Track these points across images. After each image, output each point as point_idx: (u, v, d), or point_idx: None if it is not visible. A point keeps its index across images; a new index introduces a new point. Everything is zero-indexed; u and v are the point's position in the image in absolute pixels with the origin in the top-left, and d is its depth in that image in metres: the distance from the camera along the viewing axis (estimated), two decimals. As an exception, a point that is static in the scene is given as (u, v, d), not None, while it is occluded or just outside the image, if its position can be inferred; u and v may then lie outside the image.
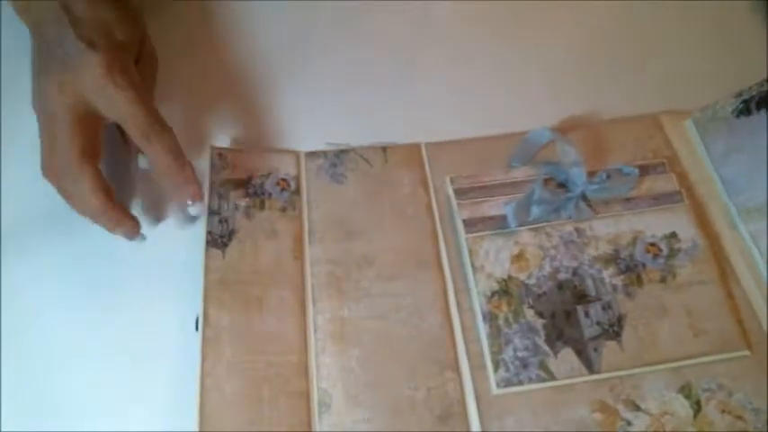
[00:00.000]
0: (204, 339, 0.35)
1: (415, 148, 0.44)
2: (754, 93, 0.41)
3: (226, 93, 0.46)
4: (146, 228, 0.40)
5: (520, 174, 0.42)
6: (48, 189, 0.40)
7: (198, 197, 0.38)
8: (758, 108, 0.41)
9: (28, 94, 0.38)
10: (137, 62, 0.38)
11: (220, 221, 0.39)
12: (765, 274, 0.37)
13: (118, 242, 0.39)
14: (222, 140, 0.44)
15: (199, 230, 0.40)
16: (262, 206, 0.41)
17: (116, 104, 0.35)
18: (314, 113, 0.46)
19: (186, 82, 0.46)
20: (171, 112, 0.42)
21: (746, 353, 0.35)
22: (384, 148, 0.44)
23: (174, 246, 0.40)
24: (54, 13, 0.35)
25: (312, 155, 0.44)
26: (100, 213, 0.36)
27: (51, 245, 0.40)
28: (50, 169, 0.36)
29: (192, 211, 0.39)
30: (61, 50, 0.35)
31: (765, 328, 0.36)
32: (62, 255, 0.40)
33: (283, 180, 0.42)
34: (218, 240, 0.39)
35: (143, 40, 0.39)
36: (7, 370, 0.36)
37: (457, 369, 0.36)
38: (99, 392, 0.36)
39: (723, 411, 0.34)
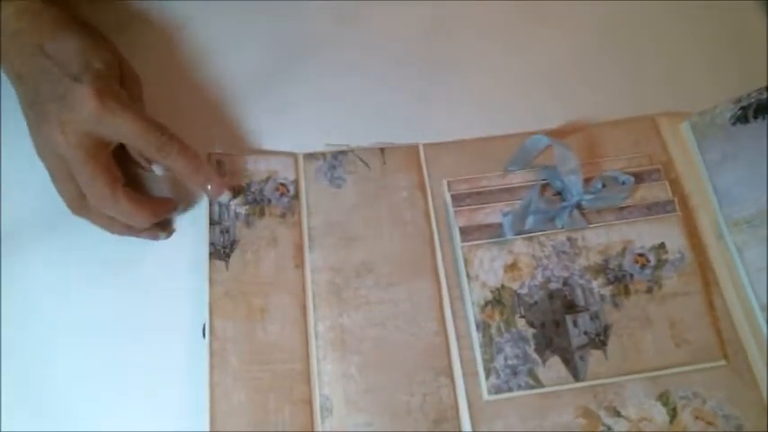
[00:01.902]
0: (211, 351, 0.37)
1: (412, 149, 0.44)
2: (752, 100, 0.41)
3: (221, 96, 0.46)
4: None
5: (517, 179, 0.43)
6: (48, 190, 0.41)
7: (222, 188, 0.40)
8: (755, 116, 0.41)
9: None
10: (120, 84, 0.38)
11: (222, 232, 0.40)
12: (748, 285, 0.39)
13: (119, 249, 0.40)
14: (220, 146, 0.44)
15: (202, 232, 0.41)
16: (261, 213, 0.41)
17: (119, 128, 0.36)
18: (312, 114, 0.45)
19: (181, 86, 0.45)
20: (166, 120, 0.42)
21: (723, 363, 0.38)
22: (382, 150, 0.44)
23: (178, 249, 0.41)
24: (32, 57, 0.36)
25: (310, 156, 0.44)
26: (151, 220, 0.39)
27: (52, 256, 0.41)
28: (81, 208, 0.38)
29: (222, 200, 0.41)
30: (48, 94, 0.35)
31: (742, 338, 0.38)
32: (64, 262, 0.41)
33: (282, 185, 0.43)
34: (220, 251, 0.40)
35: (120, 62, 0.39)
36: (8, 372, 0.38)
37: (451, 375, 0.38)
38: (102, 395, 0.37)
39: (697, 418, 0.36)
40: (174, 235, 0.42)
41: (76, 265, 0.41)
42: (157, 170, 0.40)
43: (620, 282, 0.39)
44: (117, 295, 0.40)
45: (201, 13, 0.48)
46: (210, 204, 0.41)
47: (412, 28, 0.48)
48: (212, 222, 0.41)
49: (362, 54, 0.47)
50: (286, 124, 0.45)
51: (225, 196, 0.40)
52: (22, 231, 0.41)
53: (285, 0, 0.49)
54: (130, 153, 0.40)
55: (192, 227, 0.42)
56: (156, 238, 0.41)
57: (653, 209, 0.41)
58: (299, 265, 0.40)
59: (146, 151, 0.37)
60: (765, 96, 0.41)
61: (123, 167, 0.39)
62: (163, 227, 0.41)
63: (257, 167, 0.43)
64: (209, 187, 0.39)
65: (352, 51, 0.47)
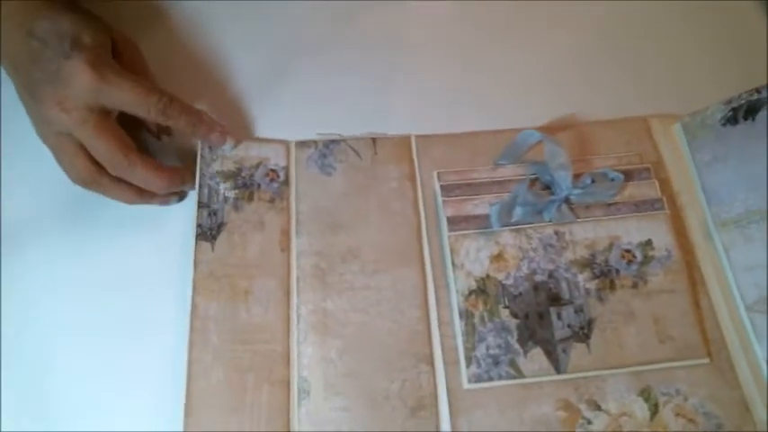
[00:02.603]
0: (192, 329, 0.37)
1: (404, 140, 0.45)
2: (742, 101, 0.41)
3: (218, 84, 0.46)
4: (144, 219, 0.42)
5: (507, 172, 0.43)
6: (48, 191, 0.41)
7: (225, 136, 0.41)
8: (745, 117, 0.41)
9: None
10: (117, 55, 0.39)
11: (210, 214, 0.41)
12: (734, 284, 0.39)
13: (113, 240, 0.41)
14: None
15: (191, 223, 0.41)
16: (251, 198, 0.42)
17: (118, 96, 0.36)
18: (307, 105, 0.46)
19: (176, 75, 0.46)
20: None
21: (706, 360, 0.37)
22: (374, 140, 0.44)
23: (167, 238, 0.41)
24: (22, 41, 0.36)
25: (302, 144, 0.44)
26: (168, 186, 0.40)
27: (49, 245, 0.41)
28: (92, 181, 0.38)
29: (226, 148, 0.42)
30: (41, 75, 0.35)
31: (726, 338, 0.38)
32: (59, 254, 0.41)
33: (272, 171, 0.43)
34: (207, 233, 0.40)
35: (113, 35, 0.39)
36: (8, 372, 0.37)
37: (431, 363, 0.38)
38: (101, 394, 0.37)
39: (677, 415, 0.36)
40: (165, 226, 0.42)
41: (75, 264, 0.40)
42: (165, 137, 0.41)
43: (605, 276, 0.39)
44: (114, 293, 0.40)
45: (201, 12, 0.49)
46: (200, 187, 0.41)
47: (411, 26, 0.49)
48: (201, 205, 0.41)
49: (361, 51, 0.48)
50: (282, 115, 0.45)
51: (228, 144, 0.41)
52: (22, 232, 0.41)
53: (285, 0, 0.49)
54: (136, 120, 0.41)
55: (182, 213, 0.42)
56: (167, 203, 0.42)
57: (641, 206, 0.41)
58: (286, 248, 0.41)
59: (148, 115, 0.37)
60: (755, 97, 0.41)
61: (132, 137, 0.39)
62: (175, 192, 0.42)
63: (249, 154, 0.43)
64: (213, 137, 0.41)
65: (351, 48, 0.48)
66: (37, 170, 0.42)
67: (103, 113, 0.37)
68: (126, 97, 0.36)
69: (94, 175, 0.38)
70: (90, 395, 0.37)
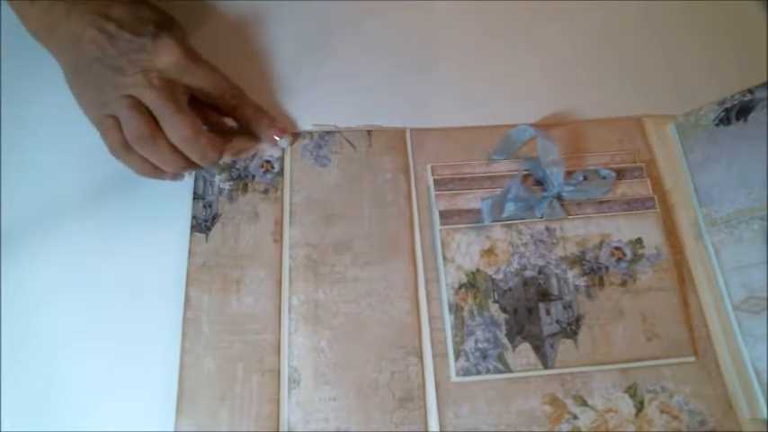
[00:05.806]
0: (185, 320, 0.38)
1: (399, 133, 0.45)
2: (735, 102, 0.41)
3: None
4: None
5: (500, 168, 0.43)
6: (48, 187, 0.41)
7: (283, 132, 0.43)
8: (737, 118, 0.41)
9: (29, 97, 0.42)
10: None
11: (204, 206, 0.41)
12: (722, 284, 0.39)
13: (112, 236, 0.41)
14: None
15: (186, 215, 0.41)
16: (245, 189, 0.42)
17: (201, 78, 0.39)
18: (304, 96, 0.46)
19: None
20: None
21: (692, 359, 0.38)
22: (369, 132, 0.45)
23: (163, 232, 0.41)
24: (93, 23, 0.37)
25: (298, 135, 0.44)
26: (181, 169, 0.39)
27: (49, 246, 0.41)
28: (126, 150, 0.37)
29: (282, 143, 0.43)
30: (118, 50, 0.37)
31: (713, 337, 0.38)
32: (59, 255, 0.40)
33: (267, 162, 0.43)
34: (201, 225, 0.40)
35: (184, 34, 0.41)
36: (7, 366, 0.37)
37: (420, 355, 0.38)
38: (103, 395, 0.37)
39: (662, 411, 0.36)
40: (160, 218, 0.42)
41: (75, 266, 0.40)
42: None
43: (595, 273, 0.40)
44: (114, 293, 0.39)
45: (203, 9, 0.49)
46: (195, 179, 0.42)
47: (410, 25, 0.49)
48: (196, 197, 0.41)
49: (361, 49, 0.48)
50: (280, 108, 0.45)
51: (285, 140, 0.43)
52: (23, 234, 0.41)
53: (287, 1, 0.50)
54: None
55: (180, 210, 0.42)
56: (181, 178, 0.42)
57: (632, 204, 0.41)
58: (279, 239, 0.41)
59: (221, 98, 0.40)
60: (748, 98, 0.41)
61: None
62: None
63: (244, 145, 0.44)
64: (273, 131, 0.42)
65: (351, 46, 0.48)
66: (37, 171, 0.42)
67: (182, 92, 0.38)
68: (207, 79, 0.39)
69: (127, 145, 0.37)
70: (90, 395, 0.37)
